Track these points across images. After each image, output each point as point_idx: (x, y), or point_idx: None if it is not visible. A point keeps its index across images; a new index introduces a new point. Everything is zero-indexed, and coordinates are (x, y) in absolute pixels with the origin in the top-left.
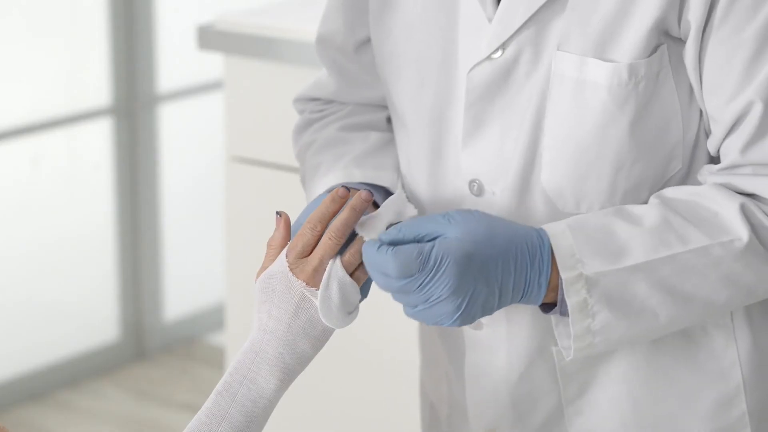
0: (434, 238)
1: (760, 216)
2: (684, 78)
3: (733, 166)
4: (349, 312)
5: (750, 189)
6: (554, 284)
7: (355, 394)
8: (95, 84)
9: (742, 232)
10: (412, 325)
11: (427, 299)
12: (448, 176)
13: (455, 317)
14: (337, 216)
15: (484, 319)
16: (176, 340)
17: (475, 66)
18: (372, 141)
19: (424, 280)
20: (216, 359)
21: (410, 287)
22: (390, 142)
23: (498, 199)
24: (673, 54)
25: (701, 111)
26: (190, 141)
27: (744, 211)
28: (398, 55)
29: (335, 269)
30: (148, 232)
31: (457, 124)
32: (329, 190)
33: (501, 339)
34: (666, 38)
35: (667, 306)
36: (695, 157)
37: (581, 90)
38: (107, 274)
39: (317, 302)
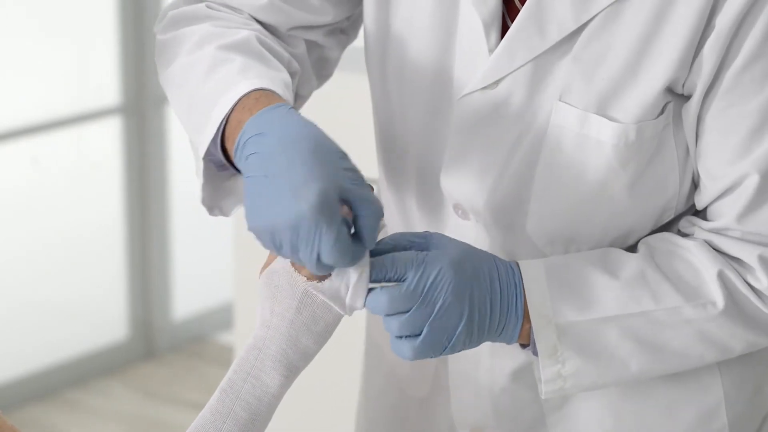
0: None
1: (738, 283)
2: (683, 133)
3: (726, 229)
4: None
5: (735, 253)
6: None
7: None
8: (104, 82)
9: (717, 297)
10: None
11: (433, 308)
12: (435, 195)
13: (461, 325)
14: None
15: None
16: (185, 339)
17: (466, 95)
18: (255, 54)
19: (425, 285)
20: (224, 358)
21: (413, 299)
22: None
23: (482, 227)
24: (675, 109)
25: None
26: None
27: (722, 277)
28: (395, 56)
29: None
30: (157, 231)
31: (444, 147)
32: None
33: (485, 354)
34: (671, 95)
35: (638, 356)
36: (689, 208)
37: (582, 146)
38: (116, 273)
39: (348, 296)
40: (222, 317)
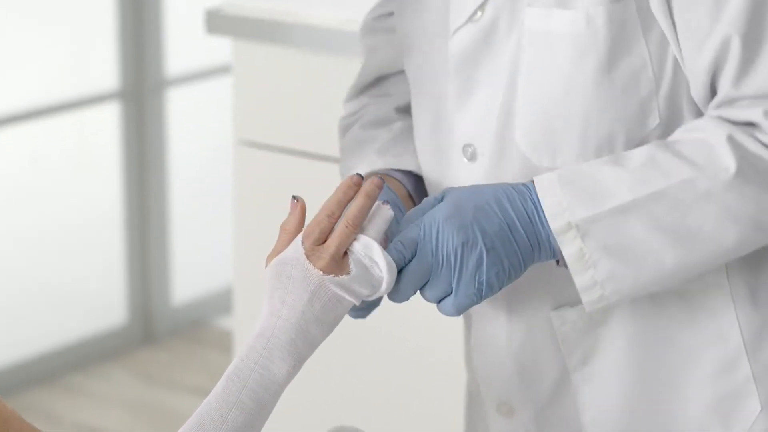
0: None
1: (749, 143)
2: (654, 32)
3: (728, 100)
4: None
5: (745, 118)
6: None
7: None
8: (103, 68)
9: (728, 161)
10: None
11: (450, 264)
12: (445, 144)
13: (485, 263)
14: (352, 203)
15: None
16: (184, 323)
17: (457, 30)
18: (395, 130)
19: (432, 250)
20: (224, 343)
21: (427, 267)
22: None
23: (487, 162)
24: (642, 7)
25: (678, 65)
26: (198, 125)
27: (732, 141)
28: (407, 30)
29: (375, 252)
30: (156, 215)
31: (451, 91)
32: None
33: (501, 307)
34: None
35: (670, 248)
36: (675, 114)
37: (548, 43)
38: (115, 258)
39: (383, 283)
40: (221, 302)
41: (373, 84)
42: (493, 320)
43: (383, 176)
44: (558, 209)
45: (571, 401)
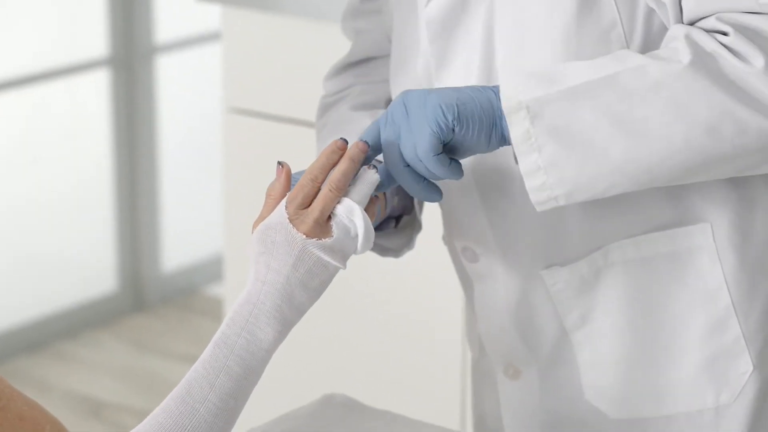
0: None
1: (710, 44)
2: None
3: (690, 21)
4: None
5: (705, 26)
6: None
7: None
8: (93, 35)
9: (683, 54)
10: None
11: (407, 110)
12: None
13: (433, 97)
14: (336, 168)
15: (479, 249)
16: (175, 291)
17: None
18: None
19: (391, 114)
20: (215, 310)
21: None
22: None
23: None
24: None
25: (648, 21)
26: (188, 92)
27: (690, 37)
28: (391, 8)
29: (356, 214)
30: (146, 182)
31: (430, 60)
32: None
33: (497, 267)
34: None
35: (617, 139)
36: None
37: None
38: (105, 225)
39: (358, 246)
40: (212, 269)
41: (358, 64)
42: (491, 281)
43: None
44: (513, 91)
45: (573, 363)
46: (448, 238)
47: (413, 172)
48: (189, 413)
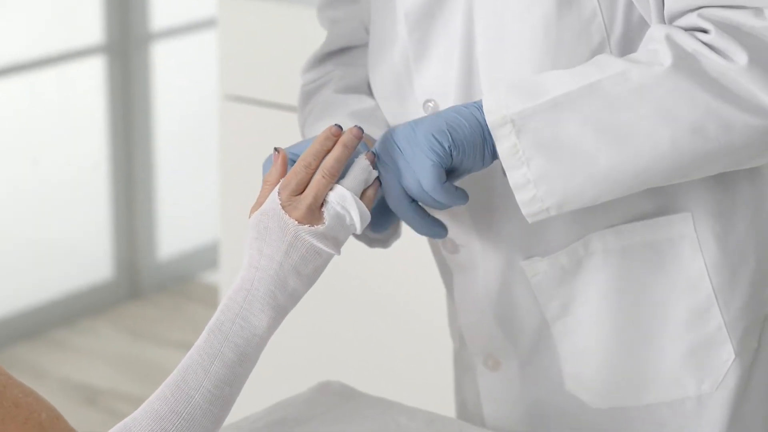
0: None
1: (690, 44)
2: None
3: (671, 18)
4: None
5: (687, 24)
6: None
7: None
8: (88, 22)
9: (664, 57)
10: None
11: (402, 146)
12: (409, 100)
13: (427, 122)
14: (330, 154)
15: (459, 241)
16: (170, 278)
17: None
18: (367, 104)
19: (384, 145)
20: (210, 298)
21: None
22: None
23: None
24: None
25: (629, 11)
26: (184, 79)
27: (670, 39)
28: None
29: (349, 201)
30: (142, 170)
31: (409, 50)
32: None
33: (477, 258)
34: None
35: (603, 146)
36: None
37: None
38: (101, 212)
39: (357, 225)
40: (208, 257)
41: (337, 53)
42: (471, 273)
43: None
44: (496, 105)
45: (554, 353)
46: None
47: (418, 208)
48: (184, 400)
